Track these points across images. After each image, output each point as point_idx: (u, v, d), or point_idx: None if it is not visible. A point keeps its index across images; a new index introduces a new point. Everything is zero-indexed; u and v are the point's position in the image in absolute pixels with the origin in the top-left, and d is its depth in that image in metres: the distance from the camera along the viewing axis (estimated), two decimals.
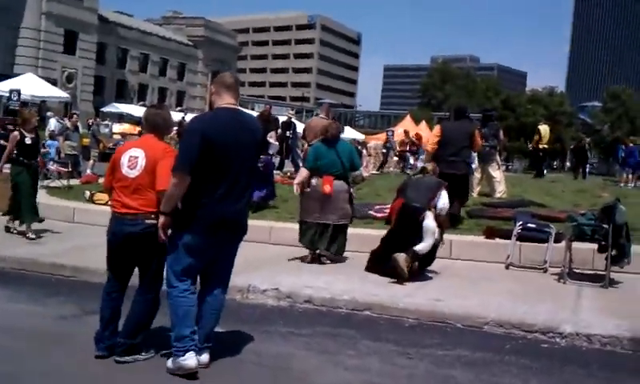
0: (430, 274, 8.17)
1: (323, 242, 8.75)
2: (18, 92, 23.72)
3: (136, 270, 5.10)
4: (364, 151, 21.34)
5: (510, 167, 42.97)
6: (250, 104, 77.19)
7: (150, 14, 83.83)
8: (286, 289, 7.18)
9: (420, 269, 8.01)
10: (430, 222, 7.82)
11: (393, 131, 35.87)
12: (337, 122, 11.23)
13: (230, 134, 4.76)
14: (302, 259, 8.84)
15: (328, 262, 8.81)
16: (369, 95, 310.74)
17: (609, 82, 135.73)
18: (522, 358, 5.56)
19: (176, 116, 38.12)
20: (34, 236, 9.63)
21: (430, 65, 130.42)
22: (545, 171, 24.42)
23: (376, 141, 36.49)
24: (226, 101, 4.93)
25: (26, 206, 9.67)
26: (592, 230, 7.99)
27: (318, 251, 8.82)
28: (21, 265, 8.17)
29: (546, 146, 22.07)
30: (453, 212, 9.34)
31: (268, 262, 8.58)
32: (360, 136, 49.42)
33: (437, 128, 11.31)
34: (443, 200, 8.02)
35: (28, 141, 9.77)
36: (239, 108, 5.07)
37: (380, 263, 8.00)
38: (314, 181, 8.72)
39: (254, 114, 23.19)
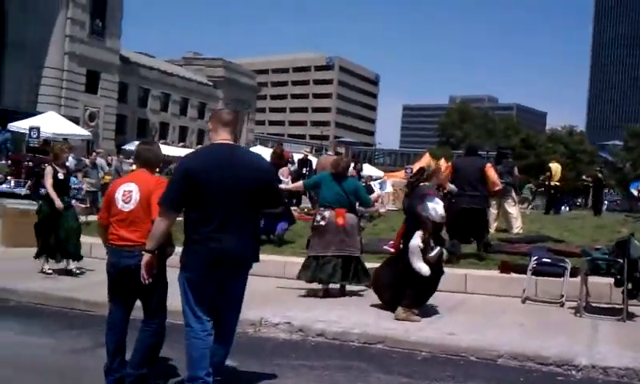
0: (443, 309, 8.09)
1: (345, 275, 8.69)
2: (38, 129, 24.09)
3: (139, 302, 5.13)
4: (377, 187, 21.32)
5: (534, 206, 42.72)
6: (270, 142, 77.84)
7: (171, 55, 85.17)
8: (299, 322, 7.15)
9: (425, 295, 7.78)
10: (413, 241, 7.45)
11: (411, 168, 35.93)
12: (347, 158, 11.27)
13: (219, 170, 4.71)
14: (315, 294, 8.78)
15: (342, 295, 8.82)
16: (388, 134, 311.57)
17: (628, 121, 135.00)
18: None
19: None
20: (78, 271, 9.85)
21: (449, 104, 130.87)
22: (563, 208, 24.24)
23: (394, 178, 36.52)
24: (221, 137, 4.90)
25: (67, 243, 9.61)
26: (607, 265, 7.90)
27: (339, 284, 8.80)
28: (35, 298, 8.23)
29: (557, 183, 21.98)
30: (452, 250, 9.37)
31: (281, 296, 8.57)
32: (379, 173, 49.56)
33: (428, 157, 11.42)
34: (431, 205, 7.54)
35: (60, 176, 9.62)
36: (234, 144, 5.02)
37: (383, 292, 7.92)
38: (327, 213, 8.68)
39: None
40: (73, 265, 9.79)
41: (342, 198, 8.79)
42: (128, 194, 5.00)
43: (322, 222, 8.65)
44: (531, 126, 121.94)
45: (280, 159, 13.22)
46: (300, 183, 8.97)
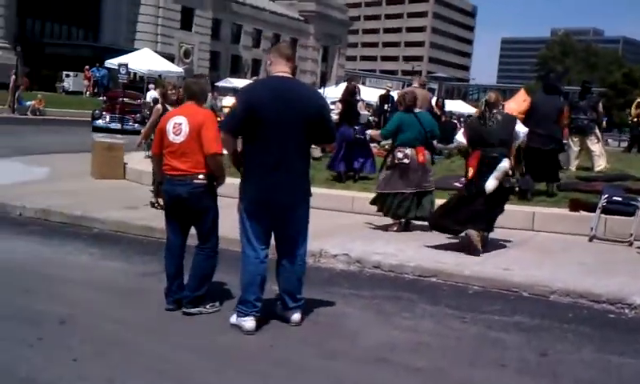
0: (505, 245, 8.10)
1: (421, 209, 8.80)
2: (126, 66, 25.01)
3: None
4: (459, 125, 20.95)
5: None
6: (362, 78, 77.37)
7: None
8: (356, 254, 7.35)
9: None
10: (504, 164, 7.60)
11: (503, 105, 34.97)
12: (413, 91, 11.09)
13: (277, 102, 4.86)
14: (387, 229, 8.91)
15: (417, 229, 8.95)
16: (485, 69, 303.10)
17: None
18: (583, 327, 5.51)
19: None
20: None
21: (550, 37, 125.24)
22: None
23: None
24: (279, 69, 5.03)
25: None
26: None
27: (409, 218, 8.92)
28: (117, 227, 8.77)
29: None
30: (525, 187, 9.25)
31: (345, 229, 8.76)
32: (471, 110, 48.50)
33: (524, 95, 11.07)
34: (522, 130, 7.94)
35: None
36: (292, 77, 5.14)
37: (449, 217, 7.84)
38: (408, 151, 8.73)
39: (366, 88, 23.40)
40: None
41: (421, 136, 8.88)
42: (178, 126, 5.27)
43: (406, 160, 8.71)
44: (638, 60, 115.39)
45: (352, 95, 13.21)
46: (377, 133, 8.99)
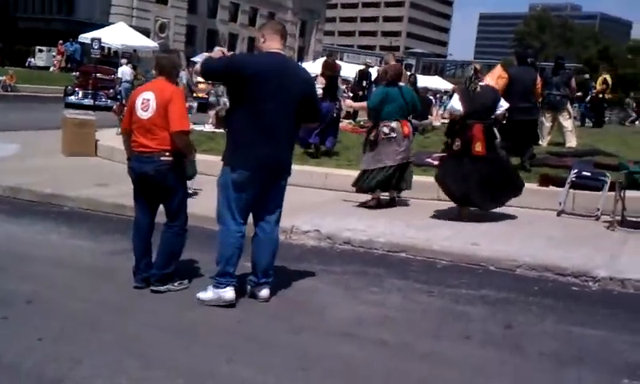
0: (474, 220, 8.18)
1: (400, 182, 8.91)
2: (99, 40, 24.64)
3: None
4: (433, 100, 21.07)
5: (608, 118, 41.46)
6: (340, 53, 77.03)
7: None
8: (327, 230, 7.39)
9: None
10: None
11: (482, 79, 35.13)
12: (400, 65, 11.15)
13: (274, 76, 4.95)
14: (365, 204, 8.92)
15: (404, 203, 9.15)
16: (463, 45, 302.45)
17: None
18: (547, 299, 5.62)
19: None
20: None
21: (529, 13, 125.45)
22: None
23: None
24: (274, 46, 5.13)
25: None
26: None
27: (392, 193, 9.01)
28: (87, 205, 8.70)
29: (601, 95, 21.32)
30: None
31: (317, 206, 8.78)
32: (448, 86, 48.67)
33: (500, 70, 11.12)
34: (504, 104, 8.32)
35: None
36: (284, 54, 5.26)
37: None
38: (394, 124, 8.71)
39: (343, 64, 23.29)
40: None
41: (404, 109, 8.92)
42: (146, 102, 5.23)
43: (393, 134, 8.71)
44: (614, 36, 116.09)
45: (332, 71, 13.18)
46: (364, 104, 8.97)
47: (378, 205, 8.92)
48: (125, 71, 24.54)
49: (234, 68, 5.03)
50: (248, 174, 5.01)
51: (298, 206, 8.19)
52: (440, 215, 8.50)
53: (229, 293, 5.07)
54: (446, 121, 21.97)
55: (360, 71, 22.52)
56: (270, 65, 5.02)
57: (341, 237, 7.27)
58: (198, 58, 40.58)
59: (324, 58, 16.10)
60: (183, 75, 23.24)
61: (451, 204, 8.80)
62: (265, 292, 5.26)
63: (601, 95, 21.29)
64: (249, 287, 5.33)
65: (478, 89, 8.15)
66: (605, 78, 21.56)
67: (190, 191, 8.37)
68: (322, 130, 11.92)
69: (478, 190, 8.03)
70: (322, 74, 12.43)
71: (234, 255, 5.10)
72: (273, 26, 5.27)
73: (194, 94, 22.50)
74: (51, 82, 32.37)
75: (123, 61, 26.48)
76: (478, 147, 7.98)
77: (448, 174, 8.35)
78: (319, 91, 11.86)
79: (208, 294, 5.14)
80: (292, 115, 5.13)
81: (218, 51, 5.29)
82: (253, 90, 4.91)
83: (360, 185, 8.94)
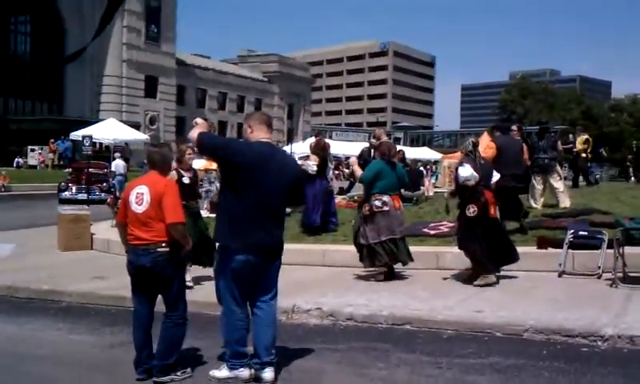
0: (476, 287, 8.14)
1: (402, 255, 8.93)
2: (90, 137, 24.92)
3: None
4: (424, 171, 21.28)
5: (597, 177, 41.88)
6: (328, 132, 78.07)
7: (226, 54, 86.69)
8: (329, 308, 7.32)
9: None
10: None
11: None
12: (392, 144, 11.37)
13: (266, 165, 5.14)
14: (375, 278, 8.90)
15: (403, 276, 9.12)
16: (448, 116, 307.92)
17: None
18: (557, 362, 5.52)
19: None
20: (191, 284, 8.42)
21: (509, 81, 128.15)
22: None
23: (450, 159, 36.21)
24: (263, 135, 5.32)
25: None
26: None
27: (398, 262, 9.00)
28: (85, 299, 8.63)
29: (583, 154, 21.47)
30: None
31: (316, 283, 8.73)
32: (437, 156, 49.22)
33: (488, 139, 11.27)
34: (496, 174, 8.90)
35: (186, 180, 8.70)
36: (272, 143, 5.52)
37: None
38: (386, 198, 8.84)
39: (332, 142, 23.64)
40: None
41: (396, 185, 9.15)
42: (140, 196, 5.26)
43: (386, 208, 8.81)
44: (595, 96, 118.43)
45: (323, 150, 13.31)
46: (359, 173, 9.15)
47: (386, 277, 8.89)
48: (118, 165, 24.87)
49: (228, 153, 5.14)
50: (244, 258, 5.07)
51: (297, 285, 8.18)
52: (441, 284, 8.45)
53: (245, 372, 5.14)
54: (441, 190, 22.24)
55: (367, 149, 22.66)
56: (260, 153, 5.17)
57: (343, 313, 7.19)
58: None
59: (313, 138, 16.31)
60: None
61: (450, 272, 8.82)
62: (270, 373, 5.14)
63: (584, 154, 21.37)
64: (252, 371, 5.23)
65: (482, 160, 8.66)
66: (586, 138, 21.74)
67: (191, 284, 8.21)
68: (323, 208, 12.02)
69: (494, 251, 8.38)
70: (315, 153, 12.54)
71: (242, 336, 5.18)
72: (258, 117, 5.47)
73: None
74: (44, 179, 32.56)
75: (117, 155, 26.75)
76: (493, 210, 8.42)
77: (469, 239, 8.51)
78: (314, 169, 12.03)
79: (223, 372, 5.18)
80: (281, 199, 5.31)
81: (202, 123, 5.49)
82: (245, 177, 5.06)
83: (364, 259, 8.93)
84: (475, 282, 8.40)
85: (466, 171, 8.43)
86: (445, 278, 8.77)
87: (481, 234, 8.33)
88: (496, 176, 8.82)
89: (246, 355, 5.18)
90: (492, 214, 8.45)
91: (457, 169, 8.74)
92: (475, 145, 8.75)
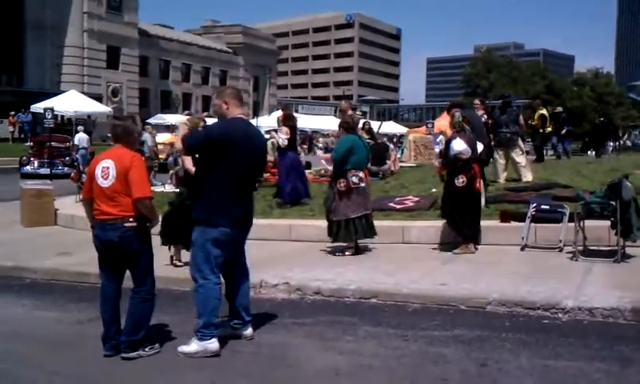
0: (440, 261, 8.28)
1: (368, 231, 9.00)
2: (52, 109, 24.44)
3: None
4: (391, 145, 21.33)
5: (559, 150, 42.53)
6: (295, 105, 77.87)
7: (190, 25, 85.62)
8: (296, 282, 7.37)
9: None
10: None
11: (432, 123, 35.84)
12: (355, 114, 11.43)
13: (245, 140, 5.36)
14: (343, 253, 8.93)
15: (370, 250, 9.19)
16: (414, 89, 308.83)
17: None
18: (520, 334, 5.65)
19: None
20: (182, 263, 8.08)
21: (474, 54, 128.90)
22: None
23: (415, 134, 36.40)
24: (238, 112, 5.48)
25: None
26: (601, 208, 7.97)
27: (366, 238, 9.09)
28: (50, 275, 8.55)
29: (550, 128, 21.65)
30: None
31: (284, 258, 8.76)
32: (402, 130, 49.48)
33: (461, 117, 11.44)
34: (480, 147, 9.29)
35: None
36: (247, 119, 5.77)
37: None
38: (360, 174, 8.86)
39: (298, 115, 23.66)
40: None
41: (366, 160, 9.25)
42: (106, 170, 5.22)
43: (362, 184, 8.87)
44: (558, 71, 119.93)
45: (293, 122, 13.27)
46: (328, 156, 9.11)
47: (356, 252, 8.96)
48: (81, 138, 24.38)
49: (213, 138, 5.30)
50: (229, 231, 5.28)
51: (265, 260, 8.21)
52: (407, 258, 8.56)
53: (214, 344, 5.24)
54: (406, 164, 22.37)
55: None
56: (240, 131, 5.37)
57: (310, 287, 7.25)
58: (152, 120, 40.56)
59: (280, 111, 16.23)
60: (148, 138, 23.26)
61: (417, 246, 8.95)
62: (250, 330, 5.64)
63: (541, 130, 21.47)
64: (230, 331, 5.56)
65: (470, 133, 9.03)
66: (542, 114, 21.87)
67: (181, 263, 7.86)
68: (296, 181, 12.12)
69: (472, 224, 8.81)
70: (286, 125, 12.49)
71: (216, 307, 5.34)
72: (233, 93, 5.62)
73: (161, 156, 22.54)
74: (4, 153, 31.89)
75: (80, 128, 26.28)
76: (478, 184, 8.88)
77: (454, 208, 8.77)
78: (285, 142, 12.04)
79: (192, 346, 5.23)
80: (256, 173, 5.73)
81: (182, 125, 5.89)
82: (228, 155, 5.22)
83: (340, 235, 8.92)
84: (455, 251, 8.71)
85: (460, 145, 8.72)
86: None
87: (465, 204, 8.68)
88: (480, 146, 9.24)
89: (216, 326, 5.30)
90: (477, 187, 8.86)
91: (448, 142, 8.91)
92: (465, 118, 9.18)
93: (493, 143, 13.74)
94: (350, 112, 12.26)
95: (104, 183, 5.20)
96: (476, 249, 8.81)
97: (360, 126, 17.85)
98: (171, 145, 23.82)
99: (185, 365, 5.09)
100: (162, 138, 25.57)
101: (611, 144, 32.75)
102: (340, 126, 9.44)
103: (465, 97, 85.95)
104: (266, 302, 7.01)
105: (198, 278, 5.33)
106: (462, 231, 8.80)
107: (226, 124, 5.40)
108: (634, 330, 5.72)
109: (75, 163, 21.63)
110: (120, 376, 4.98)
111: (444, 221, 9.21)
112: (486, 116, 12.20)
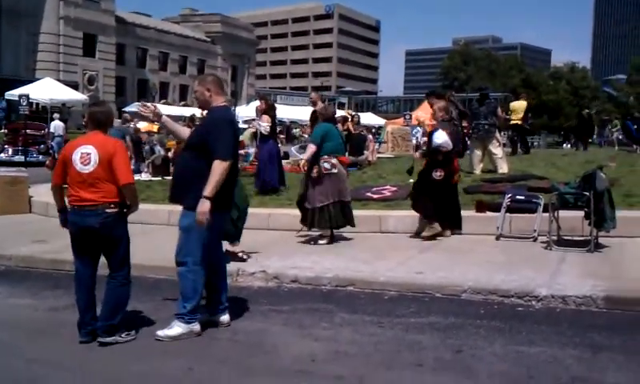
0: (416, 250, 8.34)
1: (344, 219, 9.05)
2: (27, 96, 24.16)
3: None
4: (370, 136, 21.41)
5: (534, 144, 42.93)
6: (273, 95, 77.64)
7: (167, 13, 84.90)
8: (273, 270, 7.39)
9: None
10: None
11: (410, 114, 36.03)
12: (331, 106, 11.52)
13: (236, 128, 5.65)
14: (319, 241, 8.99)
15: (347, 239, 9.25)
16: (392, 81, 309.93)
17: (634, 54, 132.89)
18: (494, 322, 5.72)
19: (196, 111, 38.50)
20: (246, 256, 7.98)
21: (452, 47, 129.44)
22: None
23: (393, 125, 36.53)
24: (221, 100, 5.57)
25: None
26: (575, 198, 8.09)
27: (339, 226, 9.11)
28: (25, 262, 8.48)
29: (518, 121, 21.56)
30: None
31: (261, 246, 8.73)
32: (381, 121, 49.64)
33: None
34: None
35: None
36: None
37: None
38: (334, 160, 8.85)
39: (276, 106, 23.71)
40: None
41: (342, 147, 9.29)
42: (87, 156, 5.17)
43: (334, 170, 8.84)
44: (535, 64, 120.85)
45: (274, 111, 13.29)
46: (313, 148, 8.95)
47: (330, 241, 8.98)
48: (57, 125, 24.24)
49: (236, 139, 5.57)
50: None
51: (242, 248, 8.18)
52: (384, 247, 8.61)
53: (198, 326, 5.38)
54: (384, 155, 22.45)
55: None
56: (232, 118, 5.69)
57: (288, 275, 7.27)
58: (129, 108, 40.22)
59: (260, 101, 16.21)
60: (130, 127, 23.07)
61: (394, 235, 9.03)
62: (227, 317, 5.67)
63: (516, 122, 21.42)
64: (207, 318, 5.58)
65: (455, 128, 9.44)
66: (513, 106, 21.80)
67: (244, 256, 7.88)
68: (273, 171, 12.16)
69: (445, 215, 9.01)
70: (267, 114, 12.50)
71: (201, 291, 5.49)
72: (216, 81, 5.65)
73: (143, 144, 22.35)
74: None
75: (55, 115, 26.01)
76: (456, 178, 9.12)
77: (426, 199, 8.93)
78: (267, 130, 12.07)
79: (175, 330, 5.29)
80: (237, 160, 5.71)
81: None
82: (235, 141, 5.51)
83: (314, 222, 8.92)
84: (423, 234, 8.88)
85: (441, 137, 8.83)
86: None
87: (438, 196, 8.82)
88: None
89: (199, 309, 5.42)
90: (454, 180, 9.12)
91: (430, 133, 9.00)
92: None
93: (468, 135, 13.89)
94: (320, 103, 12.29)
95: (84, 169, 5.16)
96: (453, 234, 9.08)
97: (350, 119, 18.02)
98: (148, 133, 23.73)
99: (162, 351, 5.09)
100: (140, 125, 25.38)
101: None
102: (317, 116, 9.53)
103: (442, 89, 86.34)
104: (243, 290, 7.02)
105: (189, 262, 5.34)
106: (429, 216, 8.97)
107: (233, 119, 5.66)
108: (605, 317, 5.82)
109: (50, 151, 21.45)
110: (96, 362, 4.95)
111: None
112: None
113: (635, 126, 25.35)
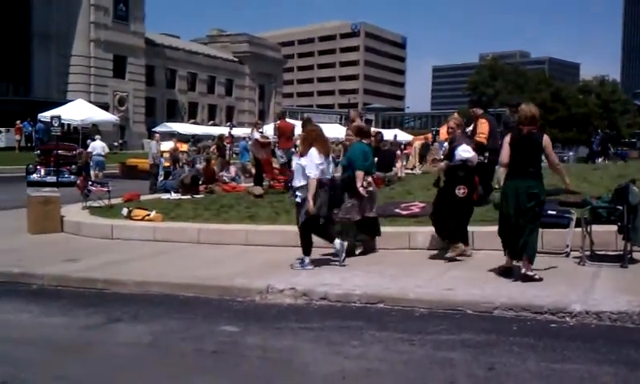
0: (445, 266, 8.27)
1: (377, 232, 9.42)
2: (59, 118, 24.56)
3: None
4: (398, 152, 21.37)
5: (565, 158, 42.53)
6: (300, 113, 77.96)
7: (195, 34, 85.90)
8: (302, 287, 7.36)
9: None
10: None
11: (437, 130, 35.91)
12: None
13: None
14: (349, 254, 8.94)
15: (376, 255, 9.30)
16: (419, 97, 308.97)
17: None
18: (527, 338, 5.64)
19: (224, 130, 38.85)
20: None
21: (479, 62, 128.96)
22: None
23: (419, 141, 36.43)
24: None
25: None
26: (608, 212, 7.96)
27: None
28: (56, 281, 8.56)
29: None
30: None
31: (289, 263, 8.72)
32: (408, 137, 49.57)
33: (487, 123, 11.54)
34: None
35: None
36: None
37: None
38: (369, 179, 9.19)
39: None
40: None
41: (374, 165, 9.75)
42: None
43: (371, 188, 9.18)
44: (564, 78, 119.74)
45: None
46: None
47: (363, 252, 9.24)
48: (96, 146, 24.65)
49: None
50: None
51: (270, 266, 8.25)
52: (413, 263, 8.55)
53: None
54: (412, 171, 22.39)
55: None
56: None
57: (317, 292, 7.24)
58: (159, 128, 40.65)
59: (278, 121, 16.57)
60: (153, 145, 23.38)
61: (423, 252, 8.96)
62: None
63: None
64: None
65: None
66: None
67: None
68: None
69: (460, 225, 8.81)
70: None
71: None
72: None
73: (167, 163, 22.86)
74: (12, 162, 32.03)
75: (97, 136, 26.49)
76: (475, 195, 8.87)
77: (449, 215, 8.70)
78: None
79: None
80: None
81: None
82: None
83: (346, 234, 9.04)
84: (447, 255, 8.70)
85: (469, 152, 8.70)
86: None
87: (461, 214, 8.67)
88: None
89: None
90: (474, 198, 8.90)
91: (455, 148, 8.78)
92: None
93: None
94: (358, 121, 12.41)
95: None
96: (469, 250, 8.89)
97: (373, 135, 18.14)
98: (173, 151, 24.00)
99: (193, 368, 5.09)
100: (166, 146, 25.70)
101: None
102: (356, 133, 9.66)
103: (469, 105, 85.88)
104: (272, 308, 7.01)
105: None
106: (441, 233, 8.89)
107: None
108: None
109: (82, 171, 21.73)
110: (123, 380, 4.97)
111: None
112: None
113: None
